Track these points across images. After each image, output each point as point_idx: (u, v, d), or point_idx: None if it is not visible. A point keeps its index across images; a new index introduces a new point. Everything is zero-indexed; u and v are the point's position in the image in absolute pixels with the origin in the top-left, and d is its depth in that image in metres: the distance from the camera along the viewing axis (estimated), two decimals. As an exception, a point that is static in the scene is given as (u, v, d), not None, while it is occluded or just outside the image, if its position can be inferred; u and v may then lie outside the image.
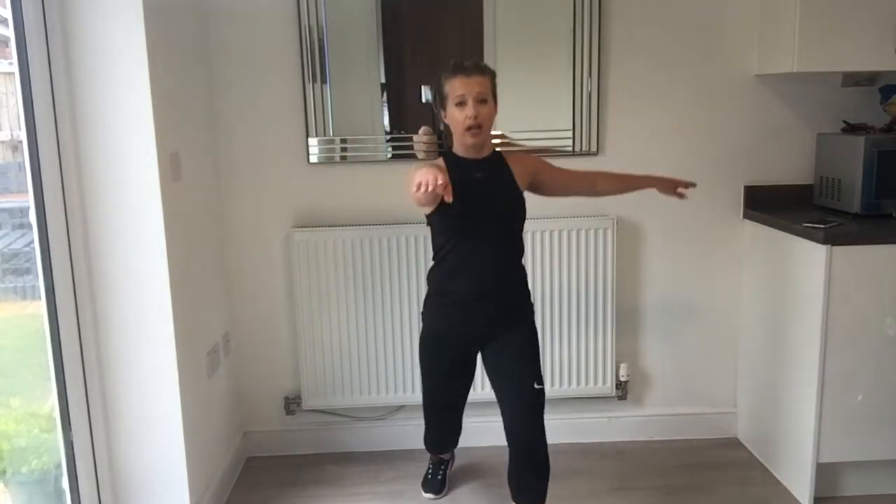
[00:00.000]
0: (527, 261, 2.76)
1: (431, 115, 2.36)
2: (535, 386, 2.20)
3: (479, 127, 2.10)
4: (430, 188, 1.80)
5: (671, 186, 2.36)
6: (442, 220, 2.17)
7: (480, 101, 2.08)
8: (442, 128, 2.26)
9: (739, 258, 2.91)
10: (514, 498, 2.28)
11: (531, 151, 2.69)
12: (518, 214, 2.22)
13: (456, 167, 2.16)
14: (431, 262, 2.27)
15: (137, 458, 2.28)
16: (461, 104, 2.09)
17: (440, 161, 2.20)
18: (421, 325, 2.40)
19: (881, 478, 2.57)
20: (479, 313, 2.22)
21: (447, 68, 2.12)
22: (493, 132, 2.72)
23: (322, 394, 2.87)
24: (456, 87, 2.09)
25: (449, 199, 1.87)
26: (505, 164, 2.23)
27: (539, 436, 2.22)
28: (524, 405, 2.21)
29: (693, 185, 2.36)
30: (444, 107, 2.15)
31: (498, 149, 2.30)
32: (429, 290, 2.31)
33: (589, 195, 2.37)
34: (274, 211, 2.82)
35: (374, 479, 2.77)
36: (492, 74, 2.15)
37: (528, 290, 2.31)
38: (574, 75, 2.74)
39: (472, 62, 2.12)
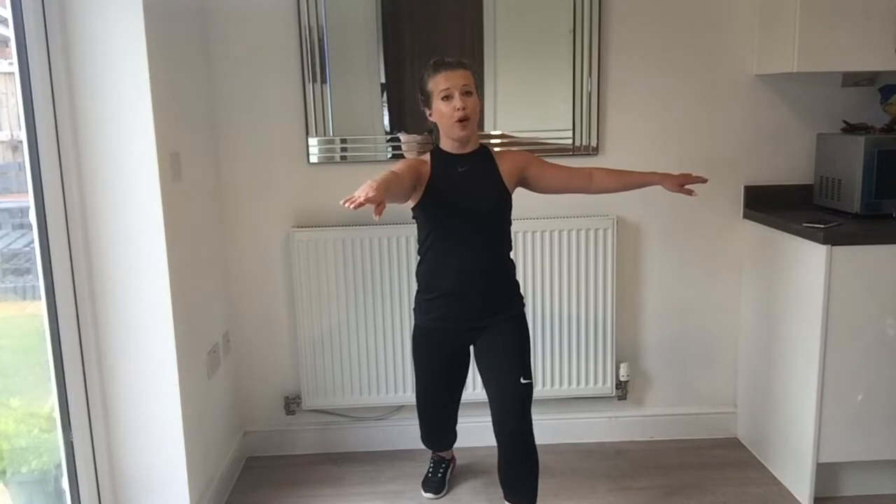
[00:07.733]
0: (526, 261, 2.78)
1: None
2: (522, 381, 2.20)
3: (468, 119, 2.12)
4: (352, 206, 1.76)
5: (679, 182, 2.28)
6: (424, 213, 2.19)
7: (465, 93, 2.11)
8: (431, 127, 2.26)
9: (739, 258, 2.91)
10: (505, 498, 2.28)
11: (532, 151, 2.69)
12: (500, 208, 2.22)
13: (440, 162, 2.19)
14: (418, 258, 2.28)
15: (137, 458, 2.28)
16: (447, 98, 2.11)
17: (426, 157, 2.22)
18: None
19: (881, 478, 2.57)
20: (464, 307, 2.22)
21: (429, 67, 2.15)
22: (494, 132, 2.76)
23: (322, 394, 2.87)
24: (440, 82, 2.12)
25: (376, 216, 1.82)
26: (491, 160, 2.23)
27: (526, 431, 2.21)
28: (510, 400, 2.21)
29: (704, 180, 2.28)
30: (429, 105, 2.17)
31: (497, 149, 2.31)
32: (418, 286, 2.32)
33: (586, 191, 2.34)
34: (274, 211, 2.82)
35: (373, 479, 2.77)
36: (473, 69, 2.18)
37: (517, 283, 2.31)
38: (574, 75, 2.74)
39: (454, 58, 2.15)
